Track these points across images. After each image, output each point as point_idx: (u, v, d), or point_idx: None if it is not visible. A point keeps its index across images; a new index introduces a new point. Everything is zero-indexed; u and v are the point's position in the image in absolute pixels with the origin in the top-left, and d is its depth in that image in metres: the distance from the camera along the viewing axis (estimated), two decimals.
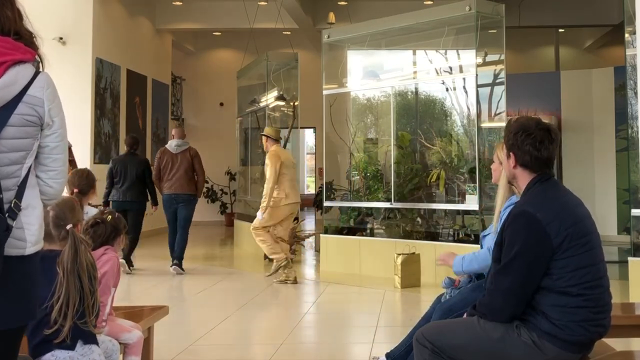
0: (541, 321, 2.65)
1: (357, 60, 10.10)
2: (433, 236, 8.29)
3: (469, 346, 2.75)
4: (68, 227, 2.92)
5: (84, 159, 10.79)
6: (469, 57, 8.22)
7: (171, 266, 8.95)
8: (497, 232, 3.54)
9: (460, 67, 8.73)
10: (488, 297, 2.76)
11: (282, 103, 11.94)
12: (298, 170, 14.78)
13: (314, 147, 19.74)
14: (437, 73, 9.22)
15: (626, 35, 7.12)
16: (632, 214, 6.99)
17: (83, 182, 4.16)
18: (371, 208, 9.21)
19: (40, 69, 2.19)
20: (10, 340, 2.16)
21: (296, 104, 11.47)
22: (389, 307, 6.82)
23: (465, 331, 2.80)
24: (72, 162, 7.14)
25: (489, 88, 8.39)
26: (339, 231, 9.24)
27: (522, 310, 2.69)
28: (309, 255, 10.80)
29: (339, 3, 14.29)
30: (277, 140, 8.34)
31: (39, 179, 2.21)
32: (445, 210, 8.58)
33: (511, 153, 2.83)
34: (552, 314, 2.64)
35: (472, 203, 7.82)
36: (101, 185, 4.58)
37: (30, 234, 2.12)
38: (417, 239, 8.28)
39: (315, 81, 10.70)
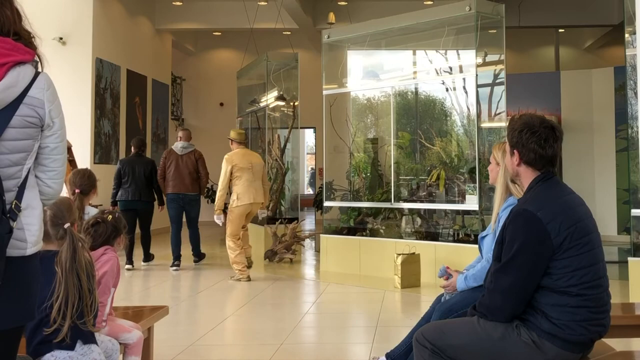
0: (541, 321, 2.65)
1: (357, 60, 10.10)
2: (433, 236, 8.29)
3: (469, 346, 2.75)
4: (66, 225, 2.92)
5: (84, 159, 10.80)
6: (469, 57, 8.22)
7: (171, 266, 9.22)
8: (495, 232, 3.56)
9: (460, 67, 8.73)
10: (488, 296, 2.76)
11: (282, 103, 11.95)
12: (298, 170, 14.85)
13: (314, 147, 19.74)
14: (437, 73, 9.22)
15: (626, 35, 7.12)
16: (632, 214, 6.99)
17: (85, 182, 4.15)
18: (371, 208, 9.21)
19: (39, 69, 2.18)
20: (9, 340, 2.16)
21: (296, 104, 11.47)
22: (389, 307, 6.82)
23: (465, 331, 2.79)
24: (72, 162, 7.16)
25: (489, 88, 8.39)
26: (339, 231, 9.24)
27: (522, 309, 2.69)
28: (309, 255, 10.81)
29: (339, 3, 14.30)
30: (240, 142, 8.57)
31: (38, 180, 2.21)
32: (445, 210, 8.58)
33: (515, 150, 2.82)
34: (552, 314, 2.64)
35: (472, 203, 7.82)
36: (102, 185, 4.56)
37: (30, 234, 2.12)
38: (417, 239, 8.28)
39: (315, 81, 10.71)
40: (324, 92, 9.60)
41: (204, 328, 5.79)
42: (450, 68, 8.97)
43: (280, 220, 10.48)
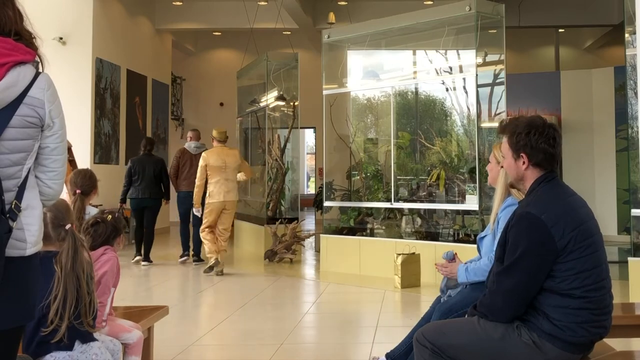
0: (542, 322, 2.65)
1: (357, 60, 10.10)
2: (433, 236, 8.29)
3: (469, 346, 2.75)
4: (67, 226, 2.92)
5: (84, 159, 10.80)
6: (469, 57, 8.22)
7: (180, 257, 9.86)
8: (494, 233, 3.56)
9: (460, 67, 8.73)
10: (489, 297, 2.76)
11: (282, 103, 11.94)
12: (298, 170, 14.85)
13: (314, 147, 19.73)
14: (437, 73, 9.22)
15: (626, 35, 7.11)
16: (632, 214, 6.99)
17: (86, 182, 4.14)
18: (371, 208, 9.21)
19: (40, 70, 2.18)
20: (9, 340, 2.16)
21: (296, 104, 11.47)
22: (389, 307, 6.82)
23: (465, 331, 2.79)
24: (72, 162, 7.16)
25: (489, 88, 8.39)
26: (339, 231, 9.24)
27: (523, 311, 2.68)
28: (309, 255, 10.80)
29: (339, 3, 14.30)
30: (220, 140, 9.11)
31: (38, 180, 2.21)
32: (445, 210, 8.57)
33: (523, 154, 2.79)
34: (554, 315, 2.63)
35: (472, 203, 7.82)
36: (102, 185, 4.55)
37: (30, 234, 2.12)
38: (417, 239, 8.28)
39: (315, 81, 10.70)
40: (324, 92, 9.60)
41: (204, 328, 5.79)
42: (450, 68, 8.97)
43: (280, 220, 10.48)
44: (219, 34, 16.96)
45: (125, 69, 13.22)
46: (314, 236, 11.07)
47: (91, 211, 4.07)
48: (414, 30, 8.98)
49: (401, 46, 9.64)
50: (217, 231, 8.95)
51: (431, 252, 7.79)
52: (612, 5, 13.77)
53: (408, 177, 9.06)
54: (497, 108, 8.27)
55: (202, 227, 8.91)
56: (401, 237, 8.50)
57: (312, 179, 21.38)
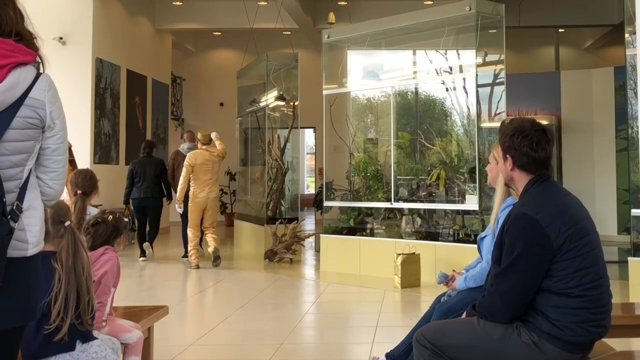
0: (541, 322, 2.65)
1: (357, 60, 10.10)
2: (433, 236, 8.29)
3: (469, 346, 2.75)
4: (67, 223, 2.92)
5: (84, 159, 10.80)
6: (469, 57, 8.22)
7: (183, 257, 10.01)
8: (494, 233, 3.56)
9: (460, 67, 8.73)
10: (488, 298, 2.76)
11: (282, 103, 11.94)
12: (298, 170, 14.86)
13: (314, 147, 19.73)
14: (437, 73, 9.22)
15: (626, 35, 7.12)
16: (632, 214, 6.99)
17: (86, 182, 4.14)
18: (371, 208, 9.21)
19: (41, 70, 2.18)
20: (10, 341, 2.17)
21: (296, 104, 11.47)
22: (389, 307, 6.82)
23: (465, 331, 2.79)
24: (72, 162, 7.17)
25: (489, 88, 8.39)
26: (339, 231, 9.24)
27: (522, 312, 2.69)
28: (309, 255, 10.81)
29: (339, 3, 14.29)
30: (204, 143, 9.56)
31: (39, 180, 2.21)
32: (445, 210, 8.57)
33: (508, 155, 2.83)
34: (552, 315, 2.64)
35: (472, 203, 7.82)
36: (102, 185, 4.56)
37: (31, 235, 2.13)
38: (417, 239, 8.28)
39: (315, 81, 10.70)
40: (324, 92, 9.60)
41: (204, 328, 5.79)
42: (450, 68, 8.97)
43: (280, 220, 10.48)
44: (219, 34, 16.96)
45: (125, 69, 13.22)
46: (314, 236, 11.07)
47: (92, 211, 4.07)
48: (414, 30, 8.98)
49: (401, 46, 9.63)
50: (204, 227, 9.51)
51: (431, 252, 7.79)
52: (612, 5, 13.77)
53: (408, 177, 9.06)
54: (497, 108, 8.27)
55: (188, 226, 9.44)
56: (401, 237, 8.50)
57: (312, 179, 21.35)
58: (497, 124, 8.21)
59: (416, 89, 9.54)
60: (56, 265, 2.85)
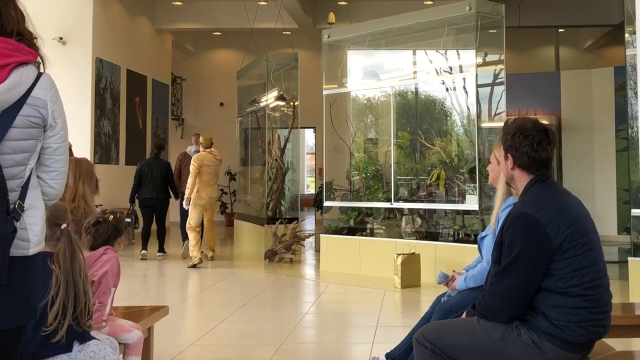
0: (541, 321, 2.65)
1: (357, 60, 10.09)
2: (433, 236, 8.28)
3: (469, 346, 2.75)
4: (63, 226, 2.92)
5: None
6: (469, 57, 8.21)
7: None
8: (495, 233, 3.56)
9: (460, 67, 8.73)
10: (488, 298, 2.76)
11: (282, 103, 11.94)
12: (298, 170, 14.86)
13: (314, 147, 19.73)
14: (437, 73, 9.22)
15: (626, 35, 7.12)
16: (632, 214, 6.99)
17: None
18: (371, 208, 9.21)
19: (42, 70, 2.19)
20: (10, 340, 2.16)
21: (296, 104, 11.47)
22: (389, 307, 6.82)
23: (465, 331, 2.79)
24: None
25: (489, 88, 8.39)
26: (339, 231, 9.24)
27: (522, 311, 2.69)
28: (309, 255, 10.80)
29: (339, 3, 14.30)
30: (206, 147, 9.99)
31: (40, 180, 2.21)
32: (445, 210, 8.57)
33: (509, 154, 2.83)
34: (552, 315, 2.64)
35: (472, 203, 7.82)
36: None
37: (33, 234, 2.13)
38: (417, 239, 8.28)
39: (315, 81, 10.71)
40: (324, 92, 9.60)
41: (204, 328, 5.79)
42: (450, 68, 8.97)
43: (280, 220, 10.48)
44: (219, 34, 16.96)
45: (125, 69, 13.22)
46: (314, 236, 11.07)
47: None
48: (414, 30, 8.98)
49: (401, 46, 9.63)
50: (205, 224, 10.02)
51: (431, 252, 7.79)
52: (612, 5, 13.77)
53: (408, 177, 9.06)
54: (497, 108, 8.27)
55: (191, 225, 9.69)
56: (401, 237, 8.50)
57: (312, 179, 21.34)
58: (497, 124, 8.24)
59: (416, 89, 9.54)
60: (53, 267, 2.85)
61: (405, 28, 9.00)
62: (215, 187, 10.10)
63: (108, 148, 12.48)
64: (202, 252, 9.71)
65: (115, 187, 11.32)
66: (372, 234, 8.95)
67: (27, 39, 2.16)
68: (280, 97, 11.78)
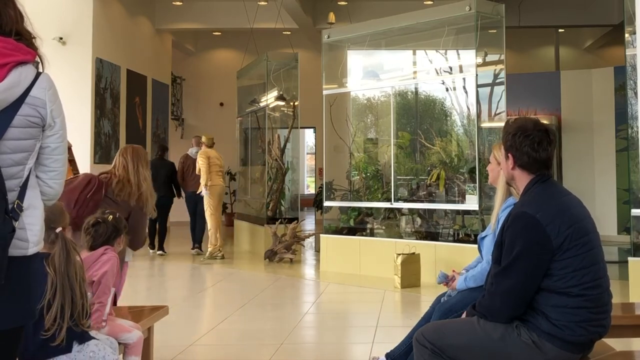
0: (541, 321, 2.65)
1: (357, 60, 10.09)
2: (433, 236, 8.28)
3: (469, 346, 2.75)
4: (58, 230, 2.92)
5: (84, 159, 10.80)
6: (469, 57, 8.21)
7: (192, 249, 10.99)
8: (495, 233, 3.56)
9: (460, 67, 8.73)
10: (488, 298, 2.76)
11: (282, 103, 11.94)
12: (298, 170, 14.90)
13: (314, 147, 19.72)
14: (437, 73, 9.21)
15: (626, 35, 7.11)
16: (632, 214, 6.99)
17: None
18: (371, 208, 9.21)
19: (40, 70, 2.19)
20: (10, 341, 2.16)
21: (296, 104, 11.47)
22: (389, 307, 6.82)
23: (465, 331, 2.79)
24: (72, 162, 7.15)
25: (489, 88, 8.39)
26: (339, 231, 9.24)
27: (522, 311, 2.69)
28: (309, 255, 10.80)
29: (339, 3, 14.29)
30: (208, 146, 10.59)
31: (39, 180, 2.21)
32: (445, 210, 8.57)
33: (509, 154, 2.83)
34: (552, 315, 2.64)
35: (472, 203, 7.82)
36: None
37: (32, 234, 2.13)
38: (417, 239, 8.28)
39: (315, 81, 10.70)
40: (324, 92, 9.60)
41: (204, 328, 5.79)
42: (450, 68, 8.97)
43: (280, 220, 10.48)
44: (219, 34, 16.95)
45: (125, 69, 13.21)
46: (314, 236, 11.07)
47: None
48: (414, 30, 8.98)
49: (401, 46, 9.63)
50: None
51: (431, 252, 7.79)
52: (612, 5, 13.76)
53: (408, 177, 9.06)
54: (497, 108, 8.27)
55: (212, 218, 10.27)
56: (401, 237, 8.50)
57: (312, 179, 21.33)
58: (497, 124, 8.24)
59: (416, 89, 9.54)
60: (48, 270, 2.85)
61: (405, 28, 9.00)
62: (223, 180, 10.71)
63: (108, 148, 12.47)
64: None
65: None
66: (372, 234, 8.95)
67: (25, 39, 2.16)
68: (280, 97, 11.78)
